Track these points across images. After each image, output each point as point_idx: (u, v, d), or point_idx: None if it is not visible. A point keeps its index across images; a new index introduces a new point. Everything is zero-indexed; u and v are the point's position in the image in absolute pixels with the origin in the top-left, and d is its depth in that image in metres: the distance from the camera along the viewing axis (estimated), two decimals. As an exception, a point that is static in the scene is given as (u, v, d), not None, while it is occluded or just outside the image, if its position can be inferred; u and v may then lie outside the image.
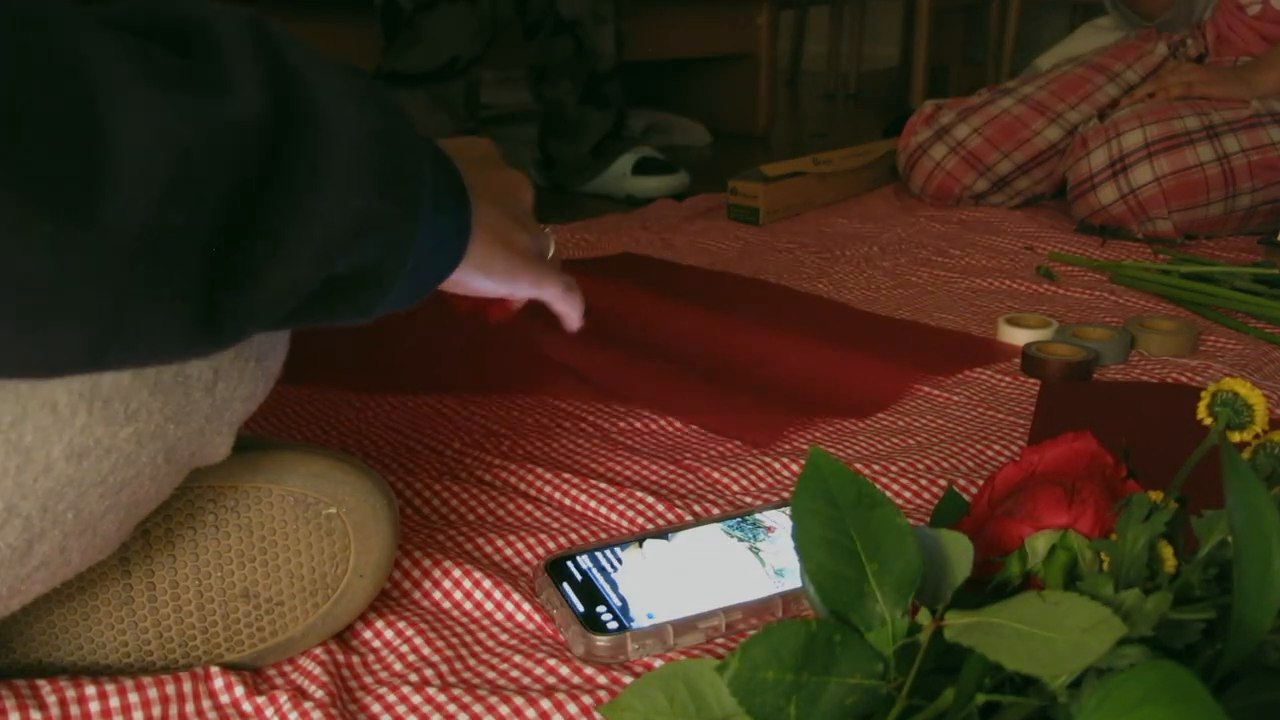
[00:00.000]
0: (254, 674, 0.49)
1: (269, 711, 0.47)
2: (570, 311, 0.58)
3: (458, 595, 0.56)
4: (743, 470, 0.70)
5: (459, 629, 0.53)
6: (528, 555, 0.60)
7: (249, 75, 0.32)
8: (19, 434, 0.35)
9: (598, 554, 0.57)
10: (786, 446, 0.75)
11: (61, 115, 0.27)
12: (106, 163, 0.28)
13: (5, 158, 0.26)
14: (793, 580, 0.55)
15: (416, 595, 0.56)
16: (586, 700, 0.47)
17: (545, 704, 0.47)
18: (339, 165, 0.35)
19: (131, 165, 0.28)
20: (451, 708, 0.47)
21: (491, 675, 0.50)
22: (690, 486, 0.69)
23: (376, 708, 0.47)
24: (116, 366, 0.34)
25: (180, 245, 0.31)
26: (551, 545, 0.61)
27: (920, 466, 0.71)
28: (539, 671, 0.50)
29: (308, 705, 0.46)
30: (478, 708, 0.47)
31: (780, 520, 0.61)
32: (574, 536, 0.62)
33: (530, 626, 0.54)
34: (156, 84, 0.29)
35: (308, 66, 0.35)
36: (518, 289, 0.53)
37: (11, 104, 0.26)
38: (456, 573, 0.57)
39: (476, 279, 0.49)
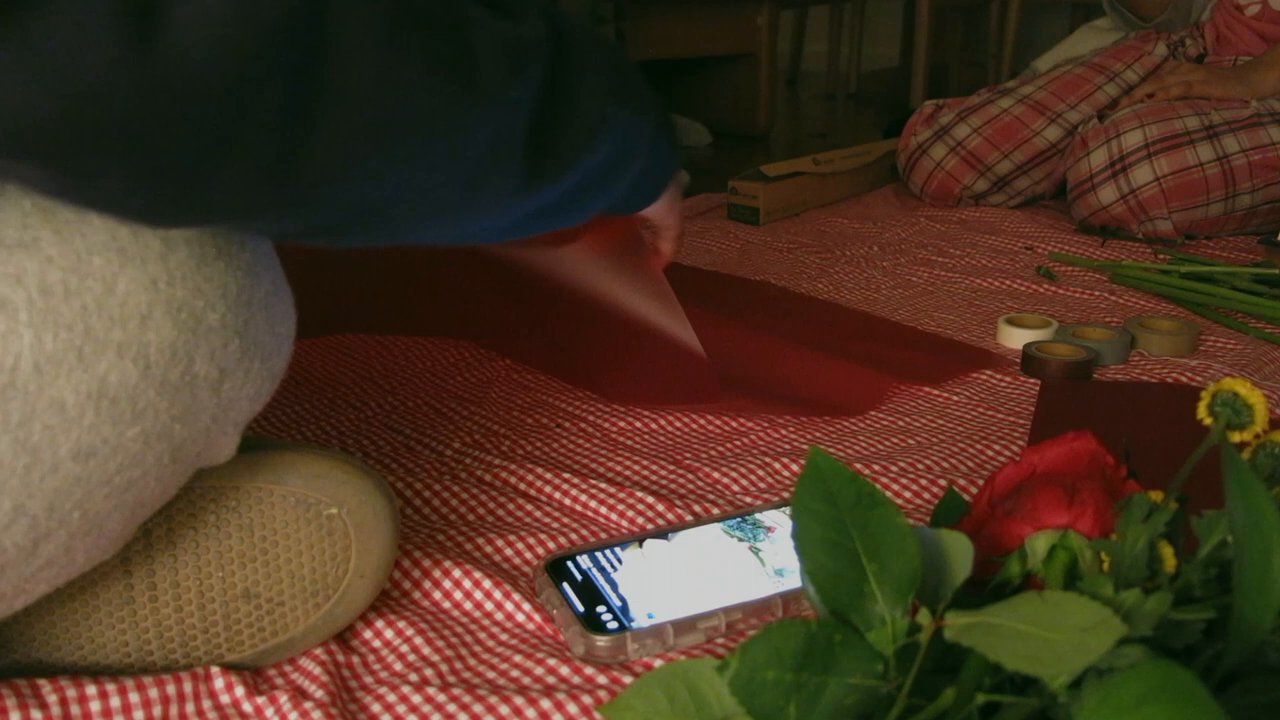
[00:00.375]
0: (254, 674, 0.49)
1: (269, 711, 0.47)
2: (674, 252, 0.76)
3: (458, 595, 0.56)
4: (743, 470, 0.70)
5: (459, 629, 0.54)
6: (528, 555, 0.60)
7: (533, 15, 0.46)
8: (27, 433, 0.35)
9: (598, 554, 0.57)
10: (786, 446, 0.75)
11: (456, 30, 0.41)
12: (476, 57, 0.41)
13: (443, 58, 0.40)
14: (793, 580, 0.55)
15: (416, 595, 0.56)
16: (586, 700, 0.47)
17: (545, 704, 0.47)
18: (592, 76, 0.49)
19: (489, 58, 0.42)
20: (451, 707, 0.47)
21: (491, 675, 0.50)
22: (690, 486, 0.69)
23: (376, 707, 0.47)
24: (488, 213, 0.48)
25: (516, 117, 0.44)
26: (551, 545, 0.61)
27: (920, 466, 0.71)
28: (539, 671, 0.50)
29: (308, 705, 0.46)
30: (478, 708, 0.47)
31: (780, 520, 0.61)
32: (574, 536, 0.62)
33: (530, 626, 0.54)
34: (490, 13, 0.43)
35: (564, 17, 0.49)
36: (669, 218, 0.72)
37: (440, 28, 0.40)
38: (456, 573, 0.57)
39: (663, 204, 0.67)
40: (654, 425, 0.78)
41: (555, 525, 0.63)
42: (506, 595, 0.55)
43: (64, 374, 0.35)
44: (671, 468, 0.71)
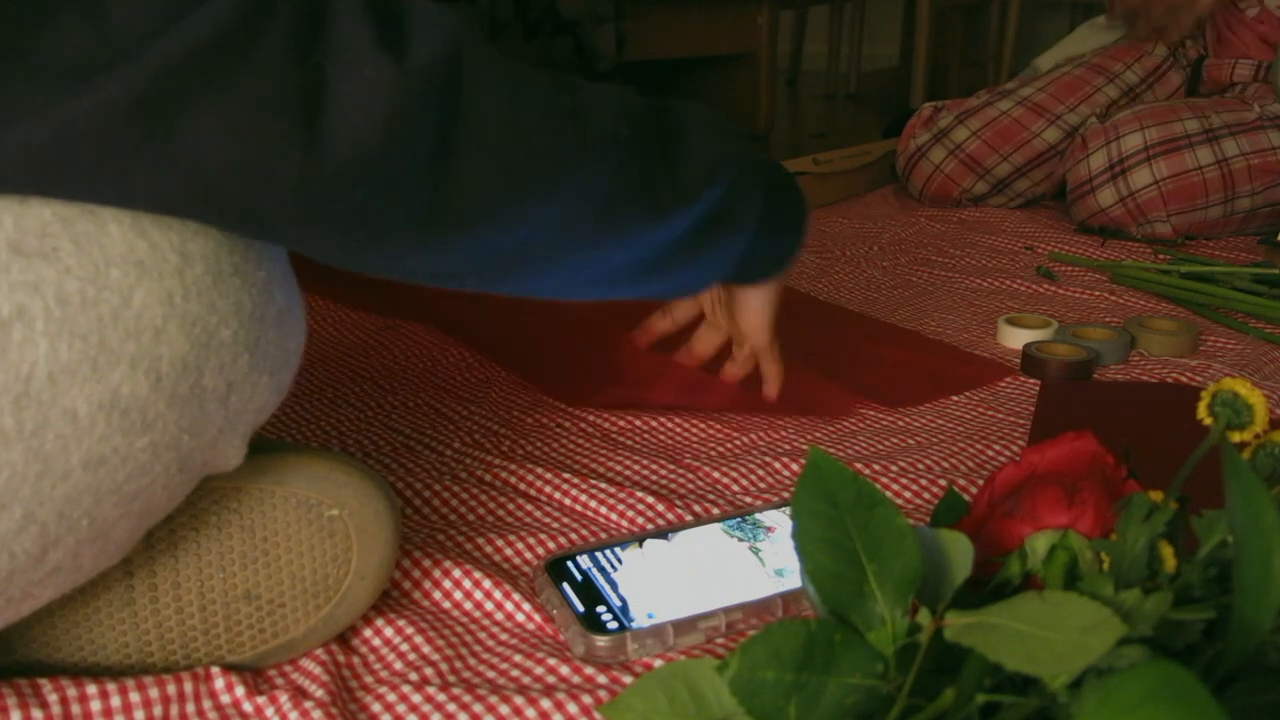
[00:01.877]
0: (254, 674, 0.49)
1: (269, 711, 0.47)
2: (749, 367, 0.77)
3: (458, 595, 0.56)
4: (743, 470, 0.70)
5: (459, 629, 0.54)
6: (528, 555, 0.60)
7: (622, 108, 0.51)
8: (40, 441, 0.35)
9: (598, 554, 0.57)
10: (786, 446, 0.75)
11: (568, 87, 0.47)
12: (585, 106, 0.47)
13: (558, 107, 0.46)
14: (793, 580, 0.55)
15: (416, 595, 0.56)
16: (586, 700, 0.47)
17: (545, 704, 0.47)
18: (694, 119, 0.56)
19: (597, 105, 0.48)
20: (451, 707, 0.47)
21: (491, 675, 0.50)
22: (690, 486, 0.69)
23: (376, 707, 0.47)
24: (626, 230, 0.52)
25: (631, 153, 0.50)
26: (551, 545, 0.61)
27: (920, 466, 0.71)
28: (539, 671, 0.50)
29: (308, 705, 0.46)
30: (478, 707, 0.47)
31: (780, 520, 0.61)
32: (574, 536, 0.62)
33: (530, 626, 0.54)
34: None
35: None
36: (765, 334, 0.73)
37: (553, 87, 0.47)
38: (456, 573, 0.57)
39: (768, 300, 0.70)
40: (654, 425, 0.78)
41: (555, 525, 0.63)
42: (506, 595, 0.55)
43: (77, 384, 0.36)
44: (671, 468, 0.71)
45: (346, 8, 0.39)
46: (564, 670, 0.50)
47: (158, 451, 0.39)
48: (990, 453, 0.75)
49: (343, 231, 0.41)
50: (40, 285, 0.35)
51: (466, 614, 0.55)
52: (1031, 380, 0.89)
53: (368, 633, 0.53)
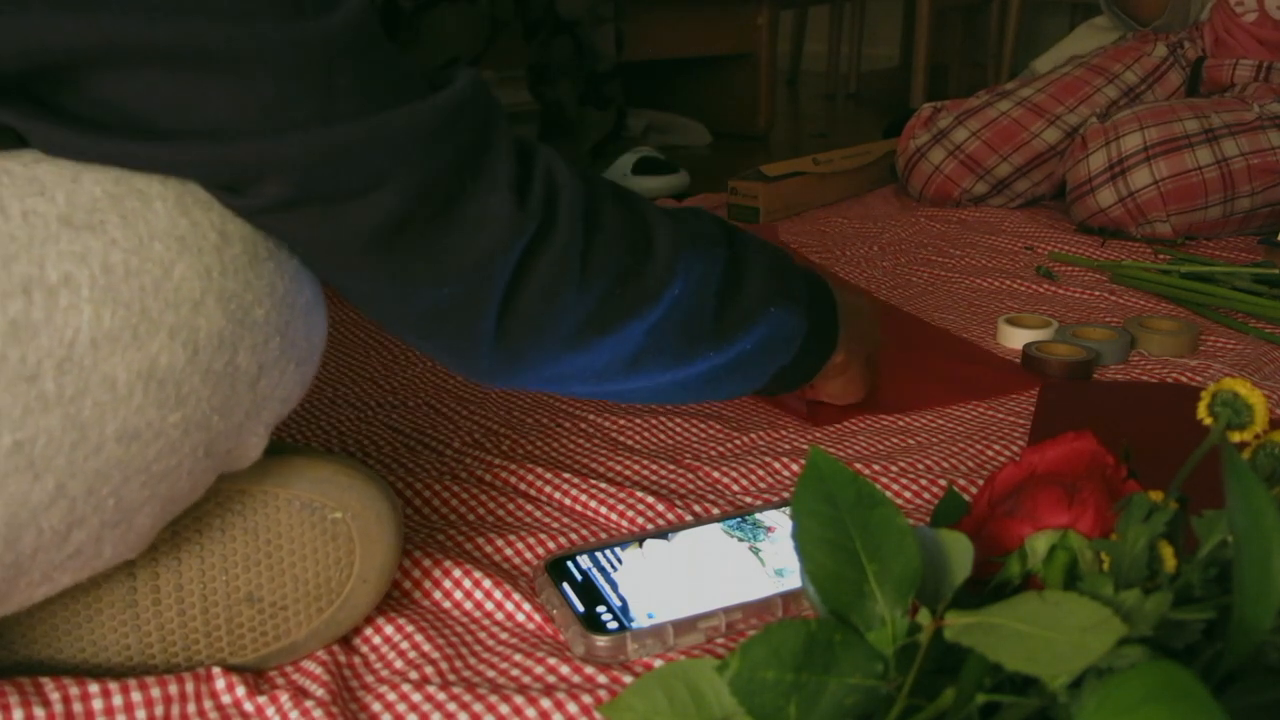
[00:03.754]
0: (255, 674, 0.49)
1: (270, 711, 0.47)
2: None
3: (458, 595, 0.56)
4: (743, 470, 0.70)
5: (459, 628, 0.54)
6: (528, 555, 0.60)
7: (708, 219, 0.58)
8: (78, 408, 0.36)
9: (598, 554, 0.57)
10: (786, 446, 0.75)
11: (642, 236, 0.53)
12: (655, 258, 0.53)
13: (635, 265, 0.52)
14: (793, 580, 0.55)
15: (417, 595, 0.56)
16: (586, 700, 0.47)
17: (545, 703, 0.47)
18: (758, 276, 0.59)
19: (655, 285, 0.53)
20: (451, 706, 0.47)
21: (492, 674, 0.50)
22: (690, 486, 0.69)
23: (377, 706, 0.47)
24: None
25: (677, 310, 0.54)
26: (551, 545, 0.61)
27: (920, 466, 0.71)
28: (539, 671, 0.50)
29: (308, 704, 0.47)
30: (478, 706, 0.47)
31: (780, 520, 0.61)
32: (574, 536, 0.62)
33: (530, 626, 0.54)
34: (673, 219, 0.55)
35: (736, 229, 0.60)
36: (844, 399, 0.77)
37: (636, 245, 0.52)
38: (456, 573, 0.57)
39: (825, 382, 0.73)
40: (654, 425, 0.78)
41: (555, 525, 0.63)
42: (507, 595, 0.55)
43: (118, 351, 0.37)
44: (671, 468, 0.71)
45: (503, 144, 0.45)
46: (564, 670, 0.50)
47: (188, 429, 0.40)
48: (990, 453, 0.75)
49: (482, 301, 0.47)
50: (87, 255, 0.36)
51: (466, 614, 0.55)
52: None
53: (368, 632, 0.53)
